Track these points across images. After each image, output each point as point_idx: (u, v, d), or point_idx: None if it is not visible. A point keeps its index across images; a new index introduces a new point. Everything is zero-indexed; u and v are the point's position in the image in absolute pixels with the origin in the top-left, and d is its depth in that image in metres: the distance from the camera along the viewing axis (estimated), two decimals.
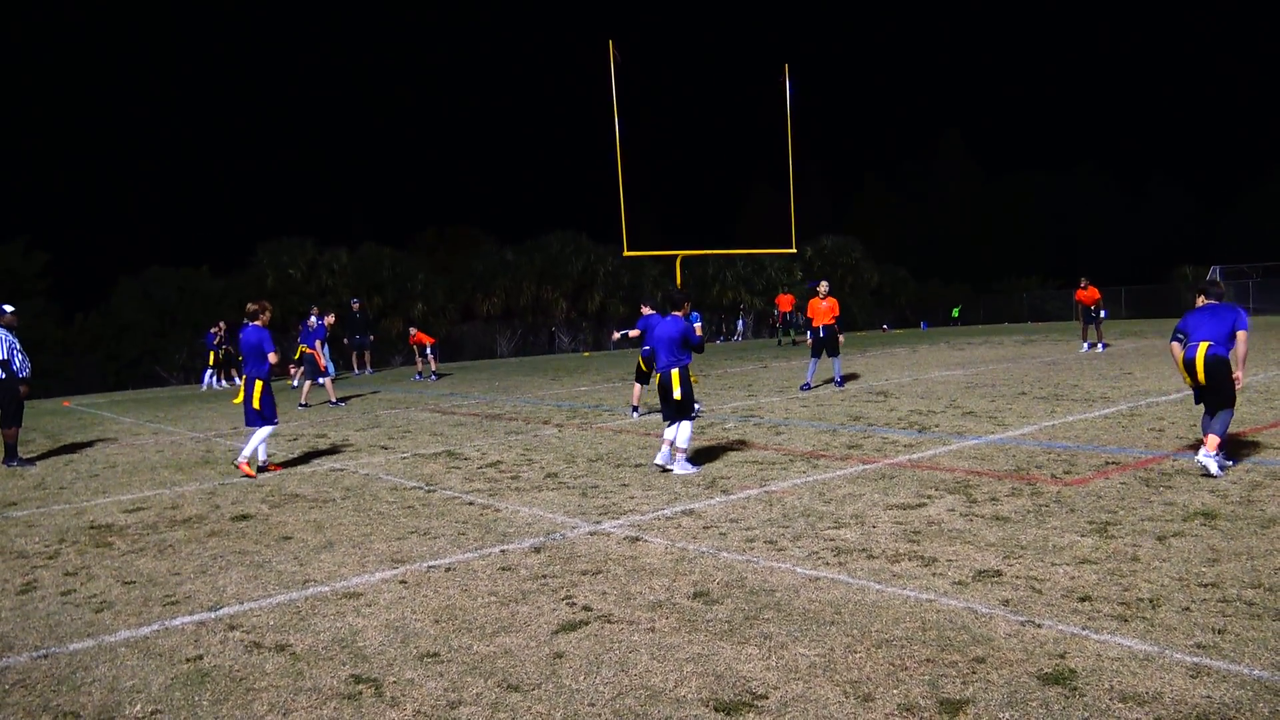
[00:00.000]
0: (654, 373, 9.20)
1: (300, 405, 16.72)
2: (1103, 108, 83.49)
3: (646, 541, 6.27)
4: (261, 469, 9.81)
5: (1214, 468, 7.18)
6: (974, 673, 3.88)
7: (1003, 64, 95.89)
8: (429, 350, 23.09)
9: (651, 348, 10.59)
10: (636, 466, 9.08)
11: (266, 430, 9.67)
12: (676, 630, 4.56)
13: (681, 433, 8.62)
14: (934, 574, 5.23)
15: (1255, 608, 4.44)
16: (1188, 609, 4.47)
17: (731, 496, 7.53)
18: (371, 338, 26.74)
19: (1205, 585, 4.79)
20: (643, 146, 33.54)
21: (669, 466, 8.62)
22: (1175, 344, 7.63)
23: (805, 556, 5.72)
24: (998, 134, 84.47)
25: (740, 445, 10.07)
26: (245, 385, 9.69)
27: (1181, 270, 48.28)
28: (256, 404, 9.58)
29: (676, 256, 37.66)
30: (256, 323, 9.78)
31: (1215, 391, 7.35)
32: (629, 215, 32.72)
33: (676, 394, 8.54)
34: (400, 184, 73.81)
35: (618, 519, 6.96)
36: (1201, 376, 7.38)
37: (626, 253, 33.81)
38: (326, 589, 5.56)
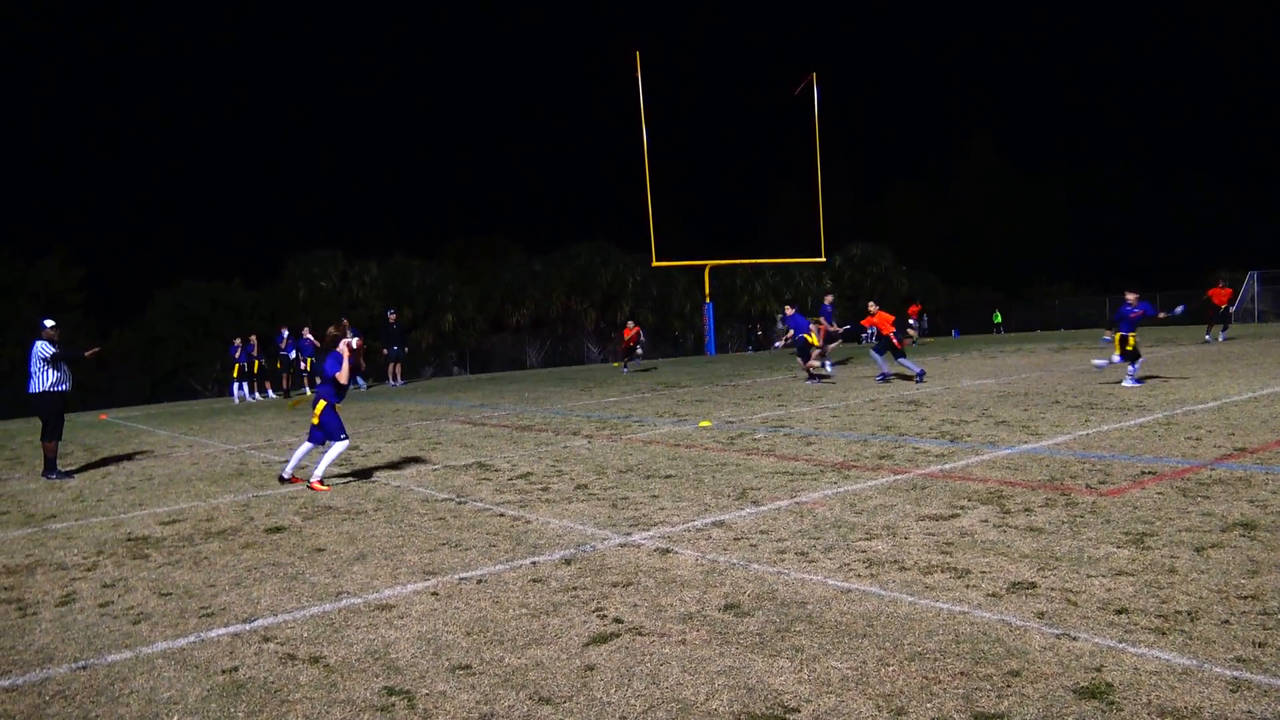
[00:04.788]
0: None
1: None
2: (1136, 104, 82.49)
3: (677, 553, 6.26)
4: (284, 479, 9.87)
5: None
6: (1009, 686, 3.84)
7: (1032, 61, 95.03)
8: None
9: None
10: (667, 478, 9.08)
11: (337, 447, 9.51)
12: (708, 643, 4.55)
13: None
14: (967, 586, 5.19)
15: None
16: (1227, 621, 4.41)
17: (762, 508, 7.50)
18: (405, 349, 26.95)
19: (1245, 597, 4.72)
20: (671, 156, 33.64)
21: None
22: None
23: (837, 568, 5.69)
24: (1027, 134, 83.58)
25: (770, 455, 10.04)
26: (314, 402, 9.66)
27: (1215, 275, 47.53)
28: (315, 420, 9.50)
29: (705, 266, 37.63)
30: (338, 348, 9.62)
31: None
32: (657, 225, 32.74)
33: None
34: (429, 195, 74.46)
35: (648, 530, 6.96)
36: None
37: (655, 263, 33.83)
38: (359, 601, 5.59)
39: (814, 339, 19.87)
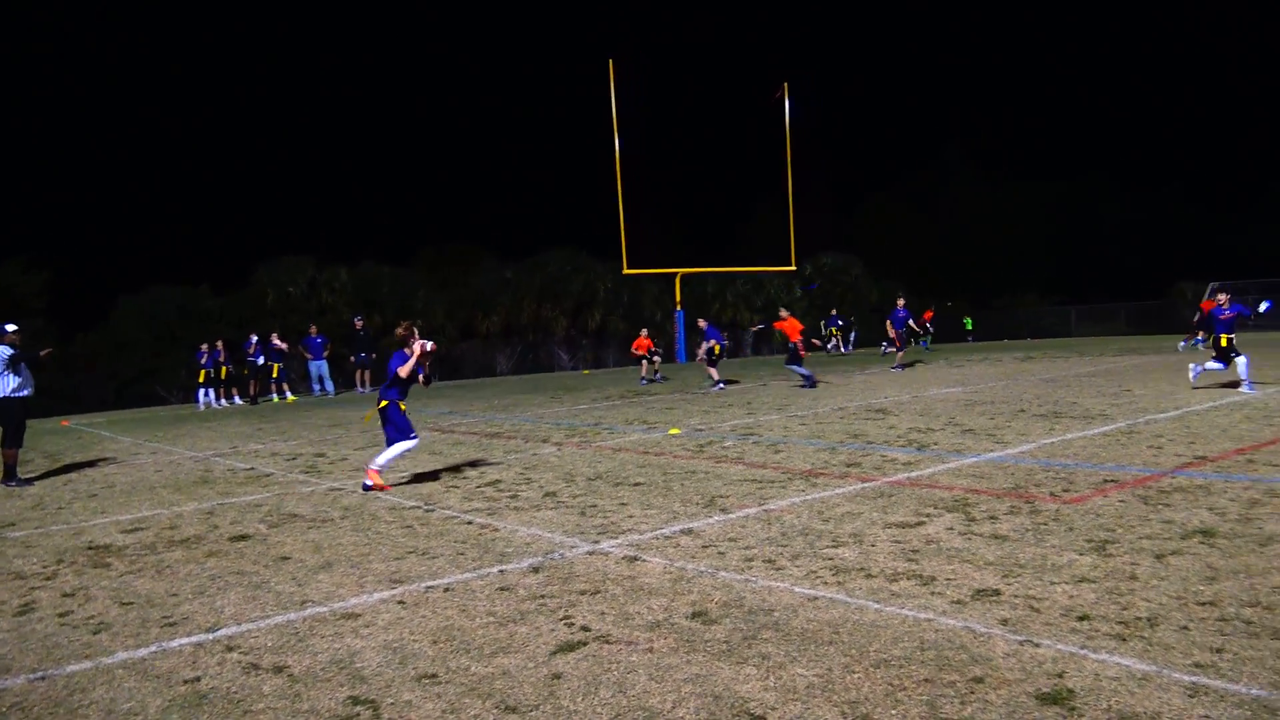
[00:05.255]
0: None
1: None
2: (1110, 116, 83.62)
3: (645, 561, 6.27)
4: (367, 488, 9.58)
5: None
6: (972, 693, 3.87)
7: (1006, 71, 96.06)
8: None
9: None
10: (636, 485, 9.08)
11: (402, 446, 9.53)
12: (675, 650, 4.55)
13: None
14: (932, 593, 5.23)
15: (1253, 626, 4.43)
16: (1186, 628, 4.47)
17: (730, 515, 7.53)
18: (373, 356, 26.79)
19: (1203, 604, 4.79)
20: (643, 164, 33.67)
21: None
22: None
23: (804, 576, 5.72)
24: (999, 145, 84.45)
25: (739, 463, 10.07)
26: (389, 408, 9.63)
27: (1181, 288, 48.31)
28: (383, 422, 9.59)
29: (676, 274, 37.69)
30: (406, 349, 9.66)
31: None
32: (629, 233, 32.78)
33: None
34: (400, 201, 74.07)
35: (616, 538, 6.96)
36: None
37: (626, 270, 33.87)
38: (325, 610, 5.55)
39: (716, 348, 21.65)
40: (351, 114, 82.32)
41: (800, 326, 20.76)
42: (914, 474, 8.89)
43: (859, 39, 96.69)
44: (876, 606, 5.05)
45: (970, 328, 47.92)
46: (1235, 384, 14.77)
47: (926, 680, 4.03)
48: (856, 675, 4.12)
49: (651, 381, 23.90)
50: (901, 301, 25.87)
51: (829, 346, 38.01)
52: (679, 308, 37.02)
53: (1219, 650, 4.17)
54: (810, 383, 19.70)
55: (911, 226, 66.73)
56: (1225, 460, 8.72)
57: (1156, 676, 3.93)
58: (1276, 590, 4.94)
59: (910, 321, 25.80)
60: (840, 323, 38.93)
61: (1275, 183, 61.74)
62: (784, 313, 21.60)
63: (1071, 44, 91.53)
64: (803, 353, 20.30)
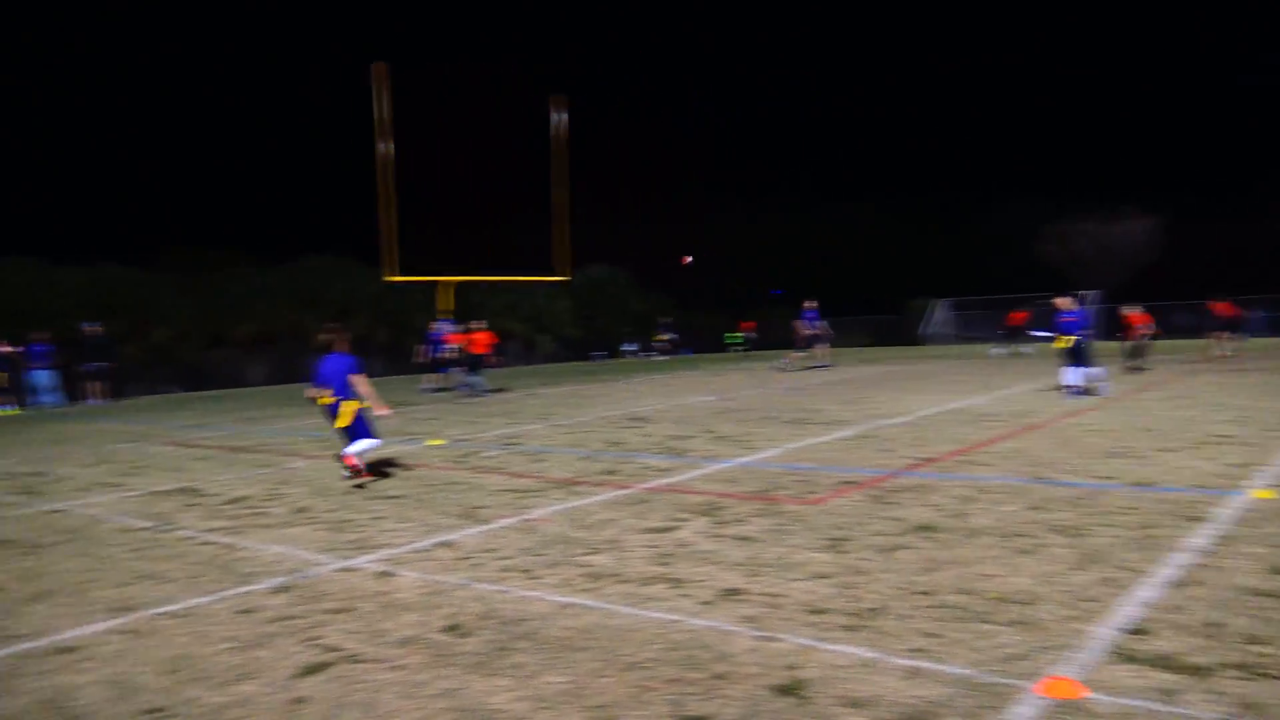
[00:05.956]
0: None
1: None
2: (883, 136, 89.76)
3: (399, 576, 6.11)
4: (356, 470, 9.62)
5: None
6: (715, 689, 4.03)
7: (768, 90, 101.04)
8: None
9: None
10: (393, 498, 8.85)
11: (371, 443, 9.73)
12: (427, 666, 4.47)
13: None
14: (682, 595, 5.41)
15: (963, 611, 4.87)
16: (907, 616, 4.85)
17: (489, 526, 7.48)
18: (111, 364, 24.69)
19: (921, 593, 5.22)
20: (411, 170, 32.89)
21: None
22: None
23: (559, 584, 5.76)
24: (764, 160, 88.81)
25: (500, 473, 10.03)
26: (333, 409, 9.67)
27: (914, 304, 52.46)
28: (349, 423, 9.63)
29: (442, 282, 37.08)
30: (339, 350, 9.75)
31: None
32: (394, 239, 31.92)
33: None
34: (145, 201, 68.70)
35: (370, 553, 6.75)
36: None
37: (388, 278, 33.02)
38: (36, 645, 5.04)
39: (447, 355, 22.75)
40: (94, 108, 75.59)
41: (489, 337, 22.02)
42: (669, 480, 9.18)
43: (635, 49, 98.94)
44: (629, 611, 5.16)
45: (742, 341, 50.05)
46: (1092, 389, 16.18)
47: (673, 680, 4.15)
48: (607, 679, 4.20)
49: (441, 391, 23.38)
50: (810, 305, 27.34)
51: (649, 354, 40.18)
52: (445, 316, 36.43)
53: (934, 635, 4.55)
54: (476, 392, 20.96)
55: (678, 238, 68.94)
56: (946, 461, 9.55)
57: (879, 662, 4.24)
58: (983, 577, 5.45)
59: (817, 325, 27.47)
60: (668, 333, 41.63)
61: (1001, 205, 68.30)
62: (475, 325, 22.45)
63: (822, 62, 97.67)
64: (486, 363, 21.84)
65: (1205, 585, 5.11)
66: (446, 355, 22.49)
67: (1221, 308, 25.89)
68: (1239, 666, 3.98)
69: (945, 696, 3.84)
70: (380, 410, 9.90)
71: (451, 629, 4.99)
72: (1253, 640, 4.27)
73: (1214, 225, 54.04)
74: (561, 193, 36.55)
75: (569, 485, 9.15)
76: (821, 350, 27.68)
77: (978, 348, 38.75)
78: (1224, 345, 25.48)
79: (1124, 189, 56.70)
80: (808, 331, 27.44)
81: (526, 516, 7.77)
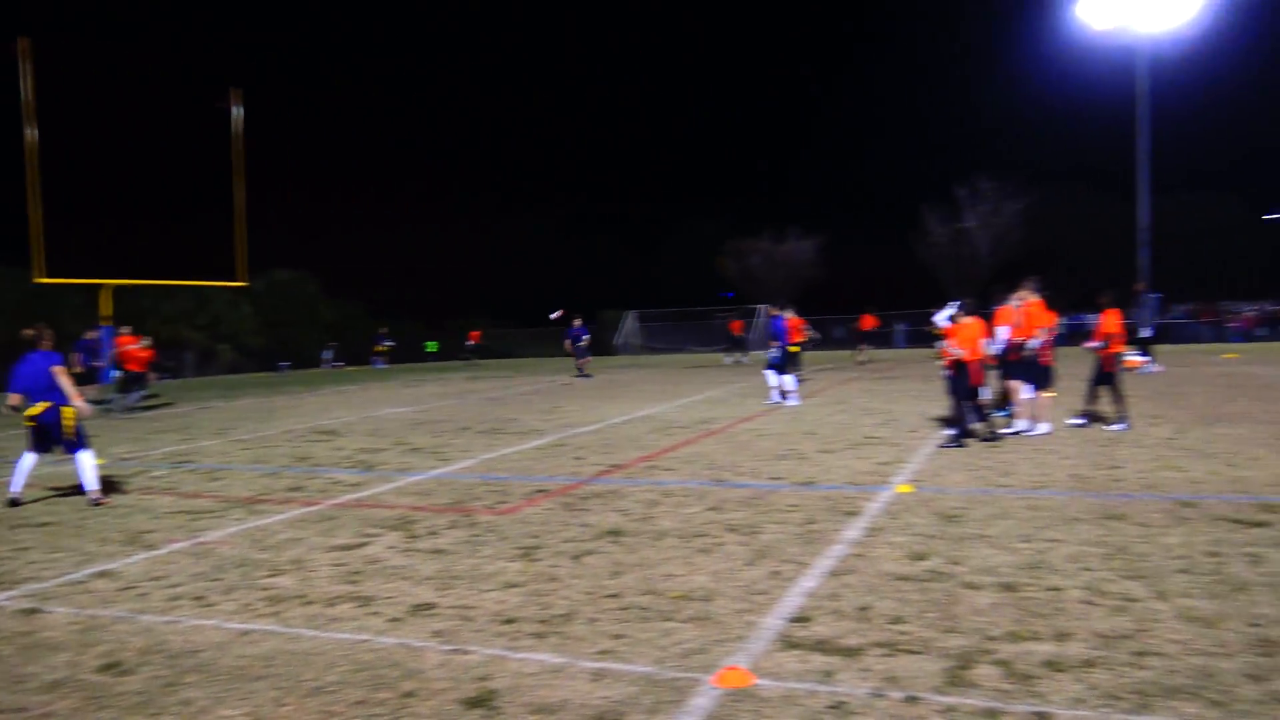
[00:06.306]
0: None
1: None
2: (562, 151, 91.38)
3: (47, 613, 5.47)
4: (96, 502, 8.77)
5: None
6: (404, 707, 3.95)
7: (460, 107, 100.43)
8: None
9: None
10: (42, 526, 7.91)
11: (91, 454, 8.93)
12: (78, 711, 4.03)
13: None
14: (370, 613, 5.25)
15: (647, 611, 5.10)
16: (594, 620, 5.00)
17: (156, 552, 6.87)
18: None
19: (609, 596, 5.40)
20: (67, 159, 29.62)
21: None
22: None
23: (237, 610, 5.40)
24: (453, 176, 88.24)
25: (170, 494, 9.26)
26: (50, 413, 8.79)
27: (604, 315, 54.16)
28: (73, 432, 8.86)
29: (105, 286, 33.73)
30: (44, 348, 8.96)
31: None
32: (46, 237, 28.62)
33: None
34: None
35: (12, 589, 5.99)
36: None
37: (39, 279, 29.57)
38: None
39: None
40: None
41: (149, 354, 20.86)
42: (359, 495, 8.88)
43: (317, 52, 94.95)
44: (313, 634, 4.94)
45: (434, 350, 49.22)
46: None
47: (359, 702, 4.02)
48: (288, 707, 3.99)
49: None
50: (578, 321, 28.01)
51: (376, 364, 41.46)
52: (105, 323, 33.09)
53: (620, 637, 4.72)
54: (121, 407, 19.81)
55: (370, 247, 67.03)
56: (633, 467, 9.95)
57: (568, 667, 4.34)
58: (667, 578, 5.73)
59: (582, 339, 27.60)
60: (387, 341, 41.33)
61: (677, 226, 72.31)
62: (123, 330, 21.29)
63: (524, 81, 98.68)
64: (149, 379, 20.90)
65: (857, 573, 5.68)
66: (103, 364, 20.42)
67: (867, 321, 30.13)
68: (885, 645, 4.46)
69: (630, 695, 3.99)
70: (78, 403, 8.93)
71: (109, 668, 4.54)
72: (896, 620, 4.80)
73: (869, 249, 60.39)
74: (239, 192, 34.37)
75: (250, 504, 8.61)
76: (583, 362, 28.11)
77: (664, 358, 40.72)
78: (864, 353, 30.75)
79: (791, 214, 62.06)
80: (574, 344, 27.96)
81: (200, 539, 7.22)
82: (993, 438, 10.90)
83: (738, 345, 33.76)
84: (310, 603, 5.49)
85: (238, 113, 33.27)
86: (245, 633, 5.00)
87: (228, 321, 43.95)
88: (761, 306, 41.74)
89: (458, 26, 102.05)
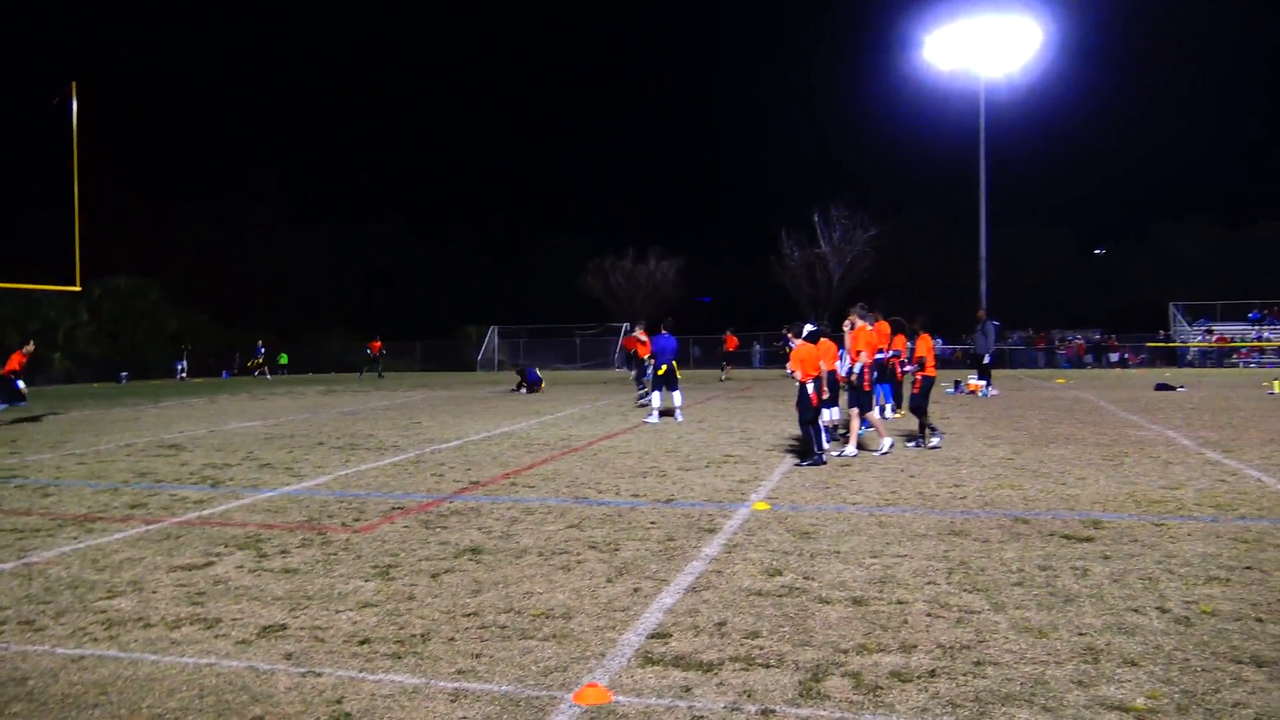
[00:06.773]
0: None
1: None
2: (413, 164, 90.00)
3: None
4: None
5: None
6: None
7: (320, 113, 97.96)
8: None
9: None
10: None
11: None
12: None
13: None
14: (217, 636, 5.04)
15: (507, 630, 5.06)
16: (453, 639, 4.94)
17: None
18: None
19: (468, 615, 5.34)
20: None
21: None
22: None
23: (69, 634, 5.10)
24: (309, 182, 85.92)
25: None
26: None
27: (466, 330, 53.63)
28: None
29: None
30: None
31: None
32: None
33: None
34: None
35: None
36: None
37: None
38: None
39: None
40: None
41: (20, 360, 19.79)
42: (205, 512, 8.51)
43: (157, 49, 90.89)
44: (154, 658, 4.70)
45: (285, 362, 47.52)
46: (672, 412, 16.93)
47: None
48: None
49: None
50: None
51: (256, 373, 41.03)
52: None
53: (478, 655, 4.68)
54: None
55: (216, 253, 64.41)
56: (494, 484, 9.87)
57: (425, 688, 4.27)
58: (527, 595, 5.71)
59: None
60: (264, 350, 40.86)
61: (539, 243, 72.40)
62: (28, 348, 20.13)
63: (380, 94, 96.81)
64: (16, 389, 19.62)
65: (715, 589, 5.79)
66: None
67: (729, 342, 31.40)
68: (741, 659, 4.56)
69: (489, 715, 3.96)
70: None
71: None
72: (752, 635, 4.91)
73: (736, 269, 61.73)
74: (71, 190, 32.49)
75: (84, 522, 8.13)
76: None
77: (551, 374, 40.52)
78: (727, 372, 32.30)
79: (653, 233, 62.90)
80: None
81: (29, 560, 6.78)
82: (841, 455, 11.33)
83: (635, 363, 34.17)
84: (150, 625, 5.23)
85: (73, 108, 31.54)
86: (78, 658, 4.72)
87: (62, 329, 41.43)
88: (625, 324, 42.13)
89: (315, 25, 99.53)
